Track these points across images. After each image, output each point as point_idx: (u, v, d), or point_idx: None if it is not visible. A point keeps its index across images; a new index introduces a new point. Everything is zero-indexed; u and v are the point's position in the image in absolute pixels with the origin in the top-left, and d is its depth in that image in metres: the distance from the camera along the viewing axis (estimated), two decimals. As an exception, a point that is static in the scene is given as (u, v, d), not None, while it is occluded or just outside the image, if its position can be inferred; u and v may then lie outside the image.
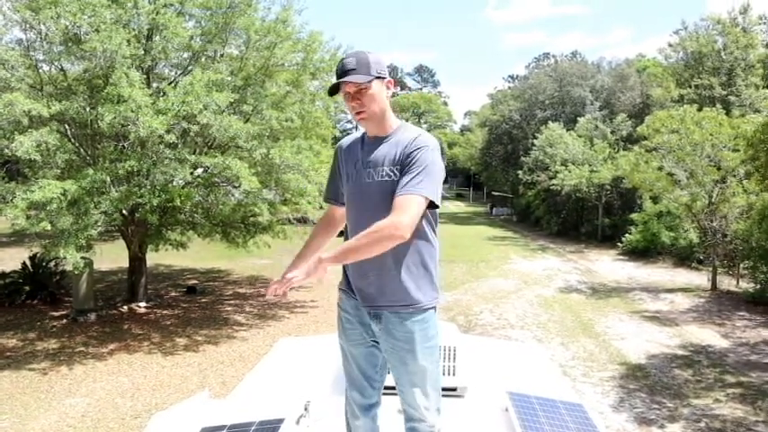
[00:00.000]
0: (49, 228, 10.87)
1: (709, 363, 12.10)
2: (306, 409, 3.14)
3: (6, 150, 11.44)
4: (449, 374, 3.45)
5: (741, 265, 19.43)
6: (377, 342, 2.54)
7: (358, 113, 2.39)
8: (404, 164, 2.32)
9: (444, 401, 3.33)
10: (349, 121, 56.19)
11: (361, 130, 2.57)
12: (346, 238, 2.56)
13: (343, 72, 2.35)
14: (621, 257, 26.34)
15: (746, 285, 18.50)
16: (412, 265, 2.39)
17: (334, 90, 2.44)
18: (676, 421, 9.28)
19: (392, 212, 2.23)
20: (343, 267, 2.52)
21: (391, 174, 2.34)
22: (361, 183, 2.43)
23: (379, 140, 2.44)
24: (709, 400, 10.11)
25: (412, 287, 2.39)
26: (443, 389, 3.40)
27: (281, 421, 2.95)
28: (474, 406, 3.43)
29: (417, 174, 2.28)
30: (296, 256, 2.67)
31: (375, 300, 2.42)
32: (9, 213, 10.90)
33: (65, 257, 11.09)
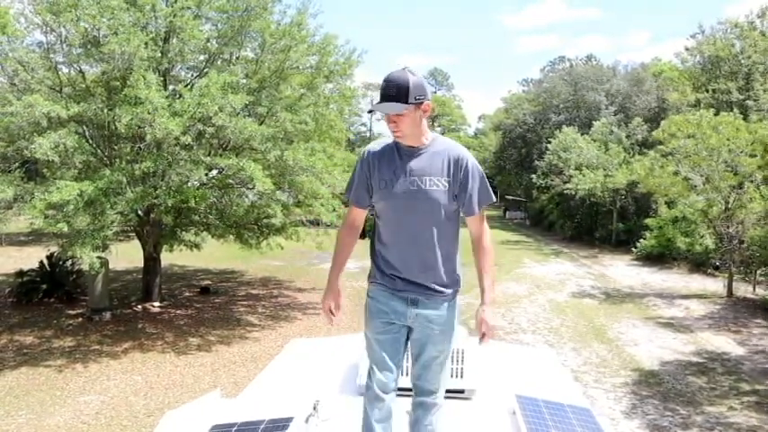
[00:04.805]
0: (65, 229, 11.03)
1: (724, 370, 11.97)
2: (315, 409, 3.18)
3: (26, 151, 11.64)
4: (457, 377, 3.47)
5: (758, 272, 19.19)
6: (404, 328, 2.78)
7: (394, 132, 2.65)
8: (460, 178, 2.67)
9: (452, 403, 3.36)
10: (363, 124, 56.26)
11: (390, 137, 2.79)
12: (370, 240, 2.82)
13: (383, 97, 2.58)
14: (636, 263, 26.12)
15: (763, 292, 18.28)
16: (452, 256, 2.75)
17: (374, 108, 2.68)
18: (689, 429, 9.21)
19: (483, 226, 2.76)
20: (378, 260, 2.77)
21: (439, 184, 2.65)
22: (406, 189, 2.65)
23: (417, 150, 2.69)
24: (724, 408, 10.01)
25: (451, 275, 2.75)
26: (451, 390, 3.43)
27: (290, 420, 2.99)
28: (481, 408, 3.44)
29: (480, 186, 2.71)
30: (331, 277, 2.84)
31: (418, 286, 2.71)
32: (27, 213, 11.08)
33: (81, 257, 11.25)
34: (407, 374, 2.97)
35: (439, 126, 69.44)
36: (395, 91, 2.56)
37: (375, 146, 2.83)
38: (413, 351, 2.84)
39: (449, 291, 2.76)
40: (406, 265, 2.71)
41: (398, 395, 2.95)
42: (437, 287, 2.72)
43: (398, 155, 2.70)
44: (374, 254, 2.81)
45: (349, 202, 2.87)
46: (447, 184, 2.66)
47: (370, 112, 2.75)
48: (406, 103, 2.56)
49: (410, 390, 2.89)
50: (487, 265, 2.76)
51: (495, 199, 2.87)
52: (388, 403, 2.82)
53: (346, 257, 2.88)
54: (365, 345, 2.87)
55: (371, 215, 2.90)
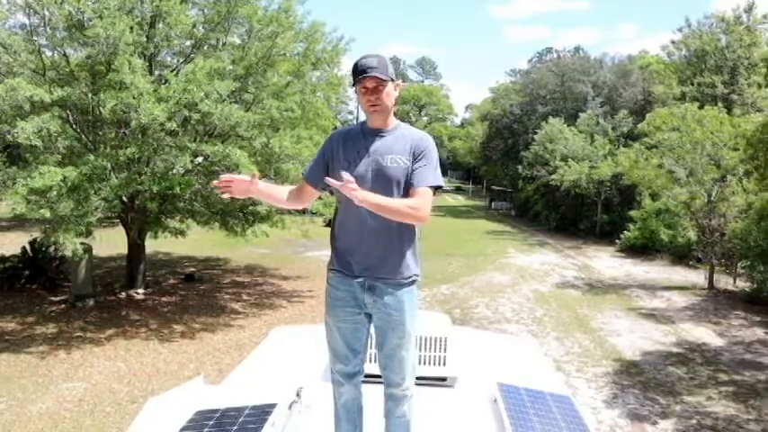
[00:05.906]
0: (48, 215, 10.91)
1: (703, 361, 12.19)
2: (298, 395, 3.20)
3: (8, 136, 11.47)
4: (439, 365, 3.51)
5: (738, 264, 19.49)
6: (366, 315, 2.79)
7: (373, 106, 2.69)
8: (416, 156, 2.68)
9: (434, 391, 3.40)
10: (350, 112, 56.14)
11: (356, 122, 2.86)
12: (331, 226, 2.85)
13: (366, 68, 2.64)
14: (619, 254, 26.40)
15: (743, 284, 18.57)
16: (409, 241, 2.75)
17: (355, 81, 2.71)
18: (668, 418, 9.38)
19: (418, 198, 2.63)
20: (337, 245, 2.79)
21: (399, 162, 2.68)
22: (367, 168, 2.68)
23: (381, 132, 2.74)
24: (702, 398, 10.20)
25: (408, 261, 2.75)
26: (433, 378, 3.46)
27: (273, 406, 3.02)
28: (463, 396, 3.48)
29: (431, 167, 2.69)
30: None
31: (374, 272, 2.71)
32: (9, 199, 10.94)
33: (64, 243, 11.14)
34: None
35: (426, 115, 69.45)
36: (376, 62, 2.65)
37: (342, 130, 2.92)
38: (376, 340, 2.83)
39: (407, 275, 2.75)
40: (365, 249, 2.71)
41: (373, 382, 2.97)
42: (395, 271, 2.71)
43: (363, 136, 2.76)
44: (333, 239, 2.83)
45: (303, 177, 2.91)
46: (407, 162, 2.69)
47: (353, 85, 2.72)
48: (386, 74, 2.66)
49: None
50: (395, 200, 2.62)
51: (443, 184, 2.80)
52: (350, 388, 2.87)
53: (280, 196, 2.92)
54: (325, 331, 2.86)
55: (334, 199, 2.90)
